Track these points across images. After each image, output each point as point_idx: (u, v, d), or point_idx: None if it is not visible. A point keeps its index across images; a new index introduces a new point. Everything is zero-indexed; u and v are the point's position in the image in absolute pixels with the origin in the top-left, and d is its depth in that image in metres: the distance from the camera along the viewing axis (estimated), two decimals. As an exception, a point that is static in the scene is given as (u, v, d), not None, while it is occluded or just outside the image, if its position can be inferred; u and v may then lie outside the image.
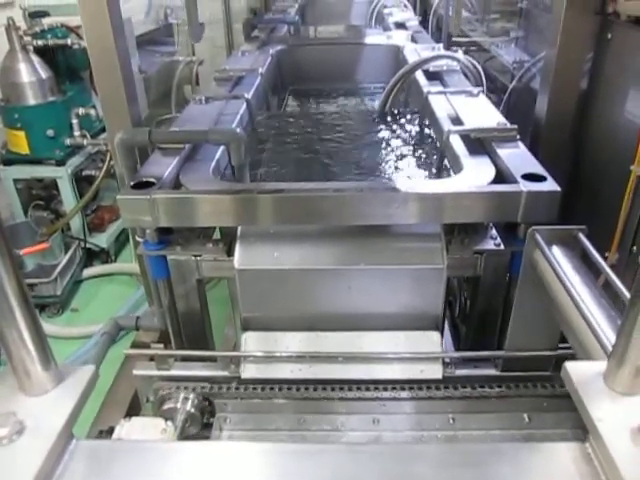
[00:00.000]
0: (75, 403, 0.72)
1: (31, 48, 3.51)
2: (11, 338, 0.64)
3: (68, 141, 3.67)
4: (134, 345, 1.85)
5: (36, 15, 3.62)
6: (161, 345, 1.46)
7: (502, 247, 1.46)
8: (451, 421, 1.38)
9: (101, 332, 1.80)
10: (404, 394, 1.37)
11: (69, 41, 3.55)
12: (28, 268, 3.48)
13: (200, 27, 2.36)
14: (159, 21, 4.81)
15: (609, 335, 0.94)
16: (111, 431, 1.24)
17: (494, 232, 1.51)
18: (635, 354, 0.58)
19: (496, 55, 2.85)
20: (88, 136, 3.72)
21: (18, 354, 0.66)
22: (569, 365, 0.71)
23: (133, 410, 1.62)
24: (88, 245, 3.89)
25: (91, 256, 3.98)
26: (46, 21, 3.67)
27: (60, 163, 3.61)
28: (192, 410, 1.33)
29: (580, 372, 0.72)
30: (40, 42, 3.52)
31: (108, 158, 3.68)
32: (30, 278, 3.40)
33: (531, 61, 2.30)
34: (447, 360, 1.43)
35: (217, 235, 1.70)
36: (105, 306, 3.55)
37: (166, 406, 1.34)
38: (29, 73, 3.46)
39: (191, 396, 1.34)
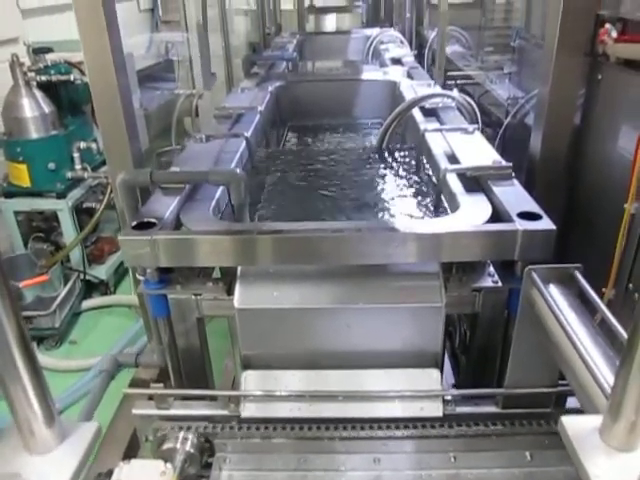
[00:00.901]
0: (79, 461, 0.72)
1: (34, 83, 3.57)
2: (16, 397, 0.64)
3: (69, 174, 3.71)
4: (133, 382, 1.85)
5: (40, 51, 3.69)
6: (161, 384, 1.46)
7: (500, 284, 1.48)
8: (452, 460, 1.37)
9: (100, 369, 1.79)
10: (405, 432, 1.37)
11: (72, 77, 3.61)
12: (27, 300, 3.47)
13: (213, 76, 2.44)
14: (160, 56, 4.91)
15: (607, 375, 0.94)
16: (110, 474, 1.23)
17: (492, 269, 1.53)
18: (629, 411, 0.59)
19: (490, 90, 2.90)
20: (89, 169, 3.76)
21: (23, 412, 0.66)
22: (565, 420, 0.72)
23: (132, 449, 1.60)
24: (87, 277, 3.89)
25: (90, 288, 3.98)
26: (49, 57, 3.74)
27: (61, 196, 3.64)
28: (191, 450, 1.33)
29: (576, 427, 0.73)
30: (43, 77, 3.59)
31: (108, 191, 3.71)
32: (29, 310, 3.39)
33: (525, 97, 2.35)
34: (447, 397, 1.43)
35: (217, 273, 1.71)
36: (104, 338, 3.54)
37: (165, 446, 1.33)
38: (32, 108, 3.51)
39: (190, 436, 1.34)
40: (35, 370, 0.64)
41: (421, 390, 1.43)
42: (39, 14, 4.39)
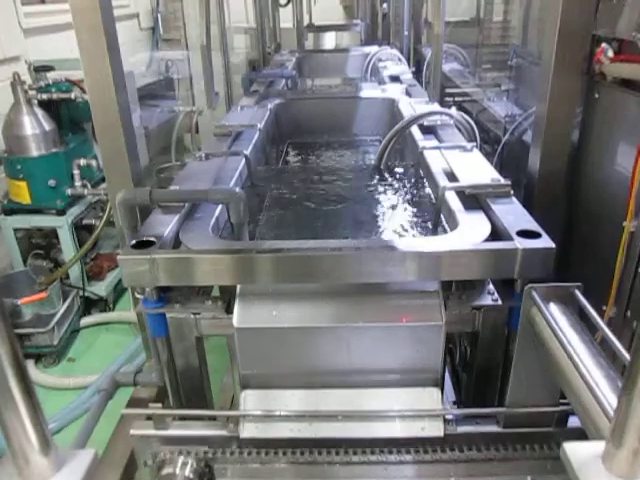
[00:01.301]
0: (76, 492, 0.70)
1: (35, 101, 3.60)
2: (10, 423, 0.63)
3: (69, 191, 3.73)
4: (131, 402, 1.83)
5: (41, 69, 3.72)
6: (159, 404, 1.45)
7: (500, 302, 1.47)
8: (454, 484, 1.36)
9: (98, 388, 1.78)
10: (406, 457, 1.35)
11: (73, 95, 3.64)
12: (25, 317, 3.46)
13: (216, 96, 2.48)
14: (160, 74, 4.95)
15: (609, 398, 0.94)
16: (108, 497, 1.22)
17: (491, 287, 1.52)
18: (632, 438, 0.58)
19: (488, 107, 2.92)
20: (89, 186, 3.78)
21: (17, 440, 0.64)
22: (568, 446, 0.71)
23: (130, 471, 1.59)
24: (86, 294, 3.89)
25: (89, 304, 3.97)
26: (51, 75, 3.77)
27: (60, 213, 3.65)
28: (191, 475, 1.31)
29: (579, 454, 0.72)
30: (44, 96, 3.62)
31: (108, 208, 3.72)
32: (27, 328, 3.39)
33: (522, 115, 2.36)
34: (448, 417, 1.42)
35: (216, 291, 1.71)
36: (102, 355, 3.53)
37: (165, 471, 1.32)
38: (32, 126, 3.53)
39: (190, 461, 1.32)
40: (30, 396, 0.63)
41: (422, 410, 1.42)
42: (41, 33, 4.43)
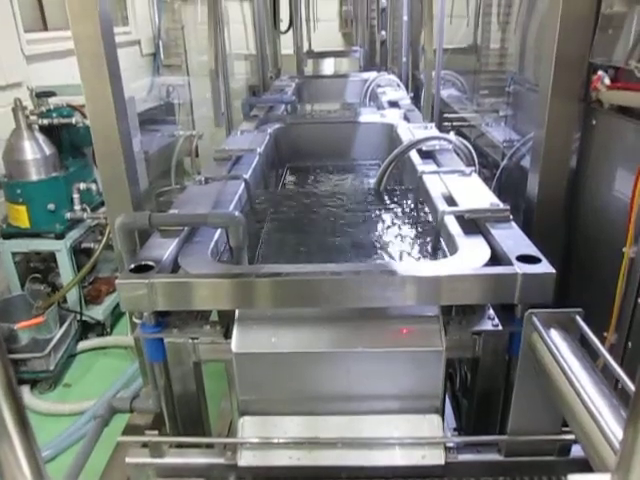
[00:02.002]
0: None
1: (36, 126, 3.62)
2: (3, 454, 0.61)
3: (68, 215, 3.72)
4: (127, 429, 1.80)
5: (43, 95, 3.75)
6: (156, 431, 1.42)
7: (500, 328, 1.46)
8: (455, 515, 1.33)
9: (94, 415, 1.75)
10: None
11: (74, 120, 3.66)
12: (22, 342, 3.42)
13: (222, 116, 2.57)
14: (161, 99, 5.01)
15: (613, 427, 0.92)
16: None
17: (492, 312, 1.51)
18: (639, 474, 0.56)
19: (486, 132, 2.95)
20: (88, 210, 3.78)
21: (10, 471, 0.62)
22: (572, 479, 0.69)
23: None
24: (84, 318, 3.86)
25: (86, 328, 3.94)
26: (52, 100, 3.80)
27: (59, 236, 3.64)
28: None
29: (584, 486, 0.70)
30: (45, 121, 3.64)
31: (107, 231, 3.72)
32: (23, 353, 3.35)
33: (520, 140, 2.38)
34: (449, 444, 1.40)
35: (214, 316, 1.69)
36: (99, 381, 3.49)
37: (160, 502, 1.29)
38: (33, 150, 3.55)
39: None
40: (24, 425, 0.62)
41: (422, 437, 1.40)
42: (43, 59, 4.48)
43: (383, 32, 5.81)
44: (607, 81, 1.66)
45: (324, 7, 7.55)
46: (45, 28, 4.94)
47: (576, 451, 1.33)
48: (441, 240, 1.76)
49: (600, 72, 1.68)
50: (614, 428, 0.92)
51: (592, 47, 1.71)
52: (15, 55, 4.15)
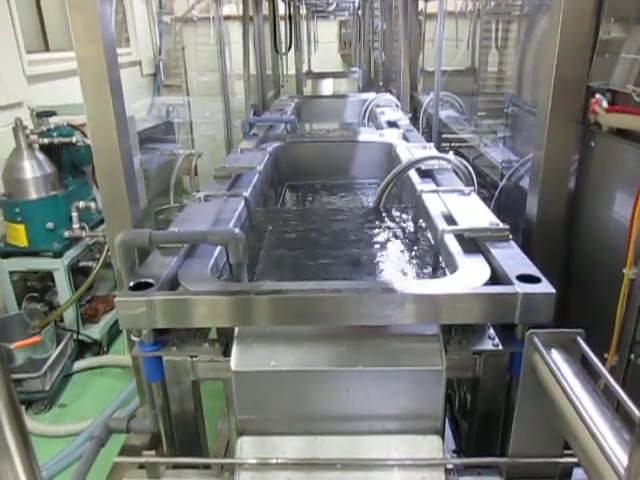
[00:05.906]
0: None
1: (37, 146, 3.64)
2: (4, 474, 0.60)
3: (66, 233, 3.72)
4: (124, 449, 1.78)
5: (43, 115, 3.78)
6: (152, 452, 1.40)
7: (500, 347, 1.45)
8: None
9: (90, 435, 1.73)
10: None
11: (74, 139, 3.69)
12: (18, 362, 3.39)
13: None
14: (161, 118, 5.05)
15: (616, 450, 0.91)
16: None
17: (492, 332, 1.51)
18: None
19: (484, 153, 2.97)
20: (87, 228, 3.78)
21: None
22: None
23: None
24: (80, 337, 3.83)
25: (83, 348, 3.91)
26: (53, 119, 3.83)
27: (57, 255, 3.63)
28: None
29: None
30: (46, 140, 3.66)
31: (105, 250, 3.71)
32: (19, 373, 3.31)
33: (519, 161, 2.39)
34: (449, 466, 1.38)
35: (213, 333, 1.68)
36: (95, 401, 3.45)
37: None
38: (33, 170, 3.56)
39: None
40: (26, 445, 0.61)
41: (422, 459, 1.38)
42: (44, 80, 4.53)
43: (382, 54, 5.89)
44: (605, 104, 1.68)
45: (324, 29, 7.66)
46: (47, 49, 4.99)
47: (578, 474, 1.31)
48: (440, 259, 1.75)
49: (598, 95, 1.70)
50: (617, 451, 0.91)
51: (590, 71, 1.73)
52: (16, 76, 4.19)
